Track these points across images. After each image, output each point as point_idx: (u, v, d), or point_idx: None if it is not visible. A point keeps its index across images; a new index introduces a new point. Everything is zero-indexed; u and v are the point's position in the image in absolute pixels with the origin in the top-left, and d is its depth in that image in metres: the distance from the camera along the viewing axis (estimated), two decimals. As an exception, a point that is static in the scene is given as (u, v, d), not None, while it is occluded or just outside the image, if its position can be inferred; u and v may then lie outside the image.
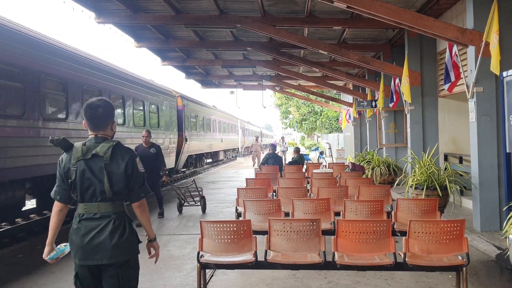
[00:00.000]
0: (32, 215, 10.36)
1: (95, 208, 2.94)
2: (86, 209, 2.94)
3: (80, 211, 2.96)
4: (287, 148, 30.07)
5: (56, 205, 3.00)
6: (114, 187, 2.94)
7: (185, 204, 9.86)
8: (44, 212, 10.82)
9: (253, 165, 24.76)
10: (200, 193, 9.89)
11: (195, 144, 21.43)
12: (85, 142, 2.99)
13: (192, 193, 9.94)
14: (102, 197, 2.93)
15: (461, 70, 7.66)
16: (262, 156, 23.76)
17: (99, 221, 2.93)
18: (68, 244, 3.01)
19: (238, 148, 39.76)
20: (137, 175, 3.03)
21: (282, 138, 32.15)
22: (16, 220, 9.84)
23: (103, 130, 3.03)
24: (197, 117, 22.10)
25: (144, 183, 3.13)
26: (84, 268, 2.94)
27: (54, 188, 3.01)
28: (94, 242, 2.89)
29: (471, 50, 7.16)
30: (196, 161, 23.96)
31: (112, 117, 3.11)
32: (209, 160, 29.72)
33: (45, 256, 3.01)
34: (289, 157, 23.73)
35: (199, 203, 9.88)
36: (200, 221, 4.43)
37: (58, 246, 3.04)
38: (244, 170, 22.31)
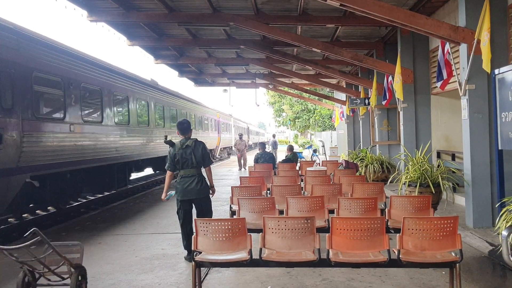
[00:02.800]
0: (25, 215, 10.29)
1: (188, 171, 5.88)
2: (184, 172, 5.89)
3: (181, 174, 5.90)
4: (274, 144, 27.93)
5: (168, 173, 6.01)
6: (197, 160, 5.88)
7: (39, 282, 4.39)
8: (36, 212, 10.77)
9: (239, 168, 21.56)
10: (72, 262, 4.28)
11: (63, 148, 9.05)
12: (181, 140, 5.94)
13: (49, 261, 4.29)
14: (191, 166, 5.87)
15: (453, 68, 7.70)
16: (248, 157, 22.97)
17: (190, 178, 5.87)
18: (174, 192, 5.98)
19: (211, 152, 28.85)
20: (206, 154, 6.01)
21: (273, 135, 31.98)
22: (9, 220, 9.79)
23: (187, 134, 6.01)
24: (72, 86, 9.47)
25: (210, 157, 6.12)
26: (183, 201, 5.89)
27: (167, 164, 5.95)
28: (188, 188, 5.85)
29: (463, 48, 7.20)
30: (61, 190, 9.84)
31: (190, 128, 6.07)
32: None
33: (163, 198, 6.04)
34: (280, 156, 22.47)
35: (67, 279, 4.34)
36: (194, 219, 4.43)
37: (169, 192, 6.05)
38: (237, 167, 22.24)
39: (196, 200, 5.91)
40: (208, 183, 6.11)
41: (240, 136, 23.83)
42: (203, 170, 6.12)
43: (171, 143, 5.95)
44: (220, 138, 30.82)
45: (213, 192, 6.17)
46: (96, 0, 9.61)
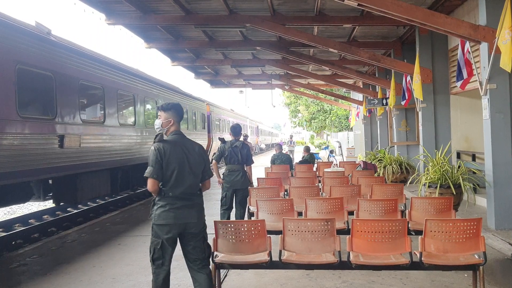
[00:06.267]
0: (45, 216, 10.45)
1: (235, 166, 7.23)
2: (230, 167, 7.25)
3: (228, 168, 7.28)
4: (294, 146, 27.61)
5: (214, 162, 7.22)
6: (242, 158, 7.22)
7: None
8: (57, 213, 10.92)
9: None
10: None
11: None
12: (231, 140, 7.32)
13: None
14: (237, 162, 7.21)
15: (473, 67, 7.59)
16: (263, 158, 21.88)
17: (236, 172, 7.21)
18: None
19: None
20: (250, 155, 7.40)
21: (291, 136, 31.71)
22: (29, 221, 9.94)
23: (238, 136, 7.37)
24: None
25: (252, 157, 7.52)
26: (230, 189, 7.22)
27: (215, 155, 7.39)
28: (235, 180, 7.18)
29: (484, 46, 7.09)
30: None
31: (241, 132, 7.52)
32: None
33: (220, 181, 7.40)
34: (297, 156, 21.88)
35: None
36: (214, 221, 4.44)
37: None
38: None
39: (239, 190, 7.23)
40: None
41: (245, 137, 17.13)
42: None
43: (223, 141, 7.46)
44: (211, 139, 22.00)
45: (252, 185, 7.68)
46: (114, 4, 9.71)
